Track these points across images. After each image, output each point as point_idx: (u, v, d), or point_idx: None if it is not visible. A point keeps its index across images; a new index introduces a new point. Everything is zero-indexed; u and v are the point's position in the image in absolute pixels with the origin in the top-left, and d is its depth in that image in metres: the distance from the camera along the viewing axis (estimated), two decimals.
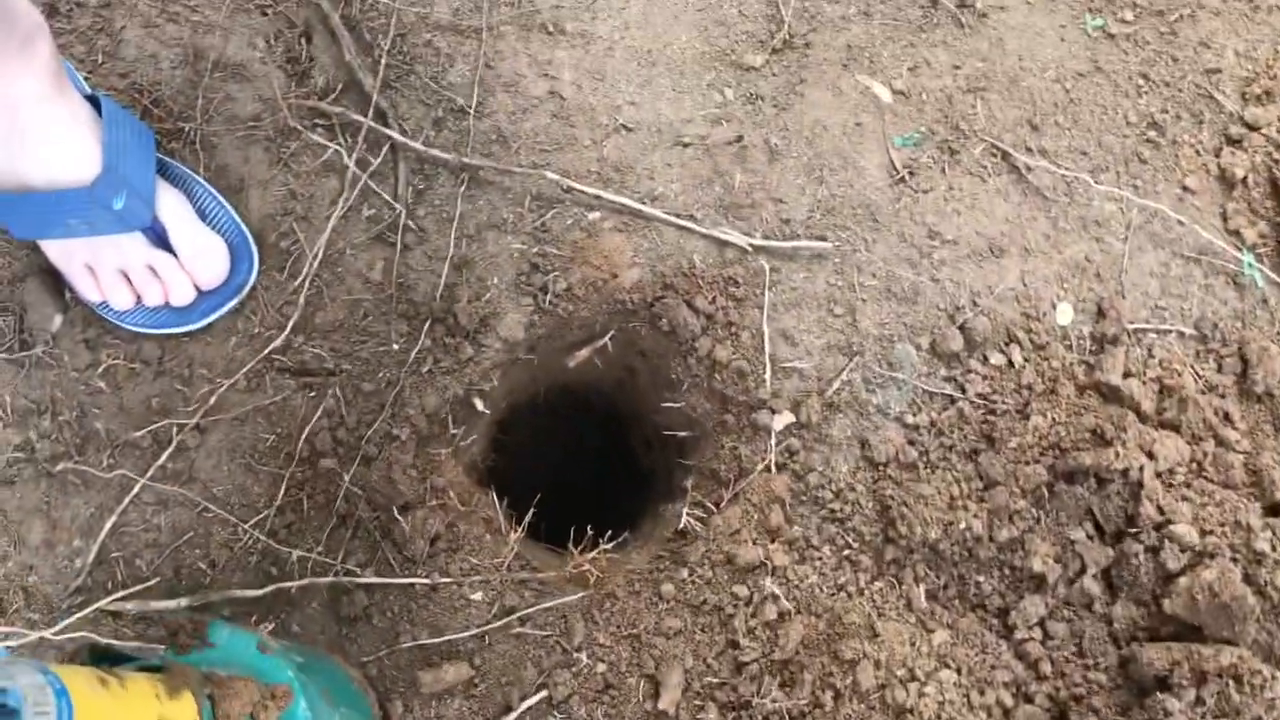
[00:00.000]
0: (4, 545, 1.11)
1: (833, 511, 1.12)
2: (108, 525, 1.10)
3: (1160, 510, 1.03)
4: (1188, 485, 1.06)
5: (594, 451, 1.58)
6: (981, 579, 1.09)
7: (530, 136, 1.24)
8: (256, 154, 1.24)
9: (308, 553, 1.09)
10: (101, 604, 1.08)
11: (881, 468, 1.12)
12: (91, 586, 1.10)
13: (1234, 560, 1.00)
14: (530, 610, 1.08)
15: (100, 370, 1.16)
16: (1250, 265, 1.20)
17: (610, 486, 1.55)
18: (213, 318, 1.18)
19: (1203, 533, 1.02)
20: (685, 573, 1.10)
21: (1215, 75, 1.29)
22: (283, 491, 1.11)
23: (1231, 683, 0.96)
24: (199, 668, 0.79)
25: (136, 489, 1.11)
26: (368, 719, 1.01)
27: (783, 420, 1.14)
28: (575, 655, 1.07)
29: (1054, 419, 1.11)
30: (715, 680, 1.06)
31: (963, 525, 1.07)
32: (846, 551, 1.11)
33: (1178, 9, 1.36)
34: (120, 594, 1.08)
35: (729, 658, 1.06)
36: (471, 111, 1.25)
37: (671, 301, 1.17)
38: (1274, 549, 1.00)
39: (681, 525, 1.13)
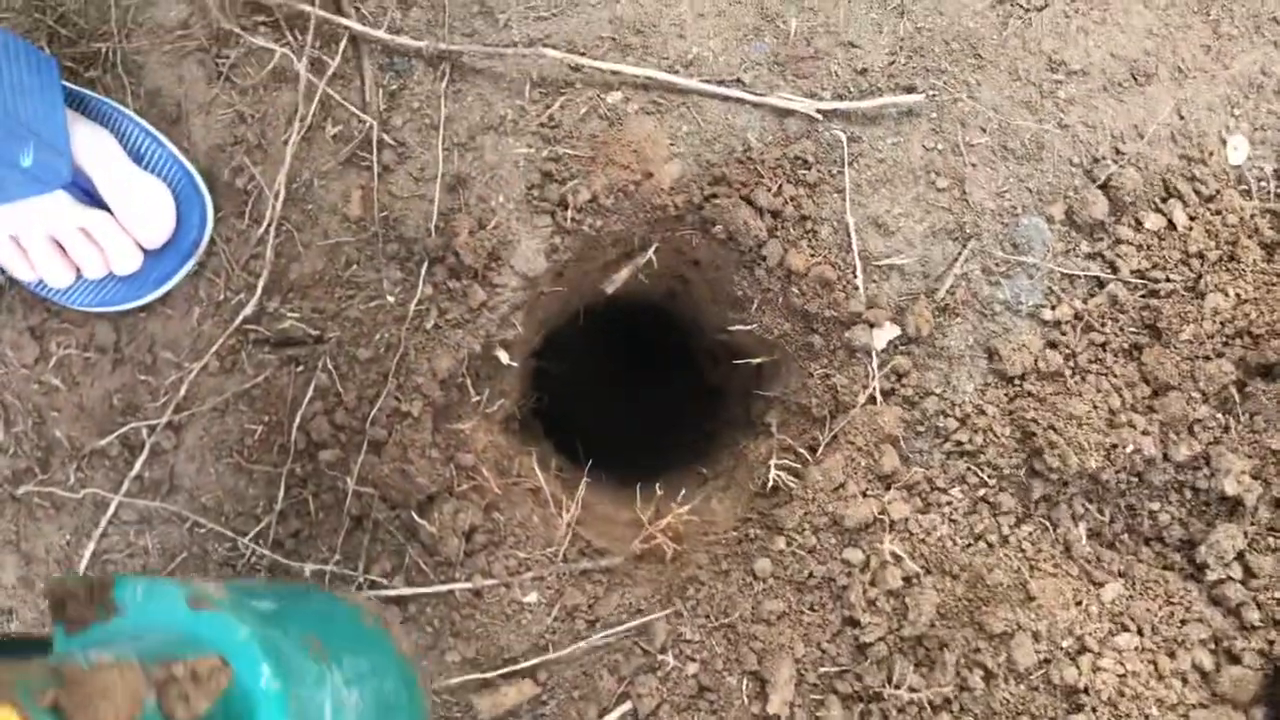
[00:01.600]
0: None
1: (959, 444, 0.90)
2: (87, 553, 0.94)
3: None
4: None
5: (651, 379, 1.36)
6: (1157, 508, 0.87)
7: (520, 3, 0.97)
8: (192, 71, 1.00)
9: (322, 564, 0.91)
10: None
11: (1018, 381, 0.89)
12: None
13: None
14: (598, 608, 0.89)
15: (52, 364, 0.98)
16: None
17: (675, 416, 1.33)
18: (169, 285, 0.99)
19: None
20: (782, 542, 0.89)
21: None
22: (282, 493, 0.93)
23: None
24: (66, 658, 0.52)
25: (112, 508, 0.95)
26: (390, 663, 0.79)
27: (885, 335, 0.91)
28: (659, 657, 0.88)
29: (1238, 295, 0.86)
30: (833, 669, 0.86)
31: (1130, 447, 0.84)
32: (982, 491, 0.89)
33: None
34: None
35: (848, 639, 0.87)
36: None
37: (725, 200, 0.92)
38: None
39: (770, 481, 0.91)
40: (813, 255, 0.92)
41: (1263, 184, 0.91)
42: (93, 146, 0.95)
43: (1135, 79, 0.93)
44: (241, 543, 0.92)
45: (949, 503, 0.89)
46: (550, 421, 1.15)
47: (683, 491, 0.96)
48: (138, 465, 0.94)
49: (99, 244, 0.95)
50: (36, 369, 0.97)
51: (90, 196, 0.96)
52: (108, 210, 0.95)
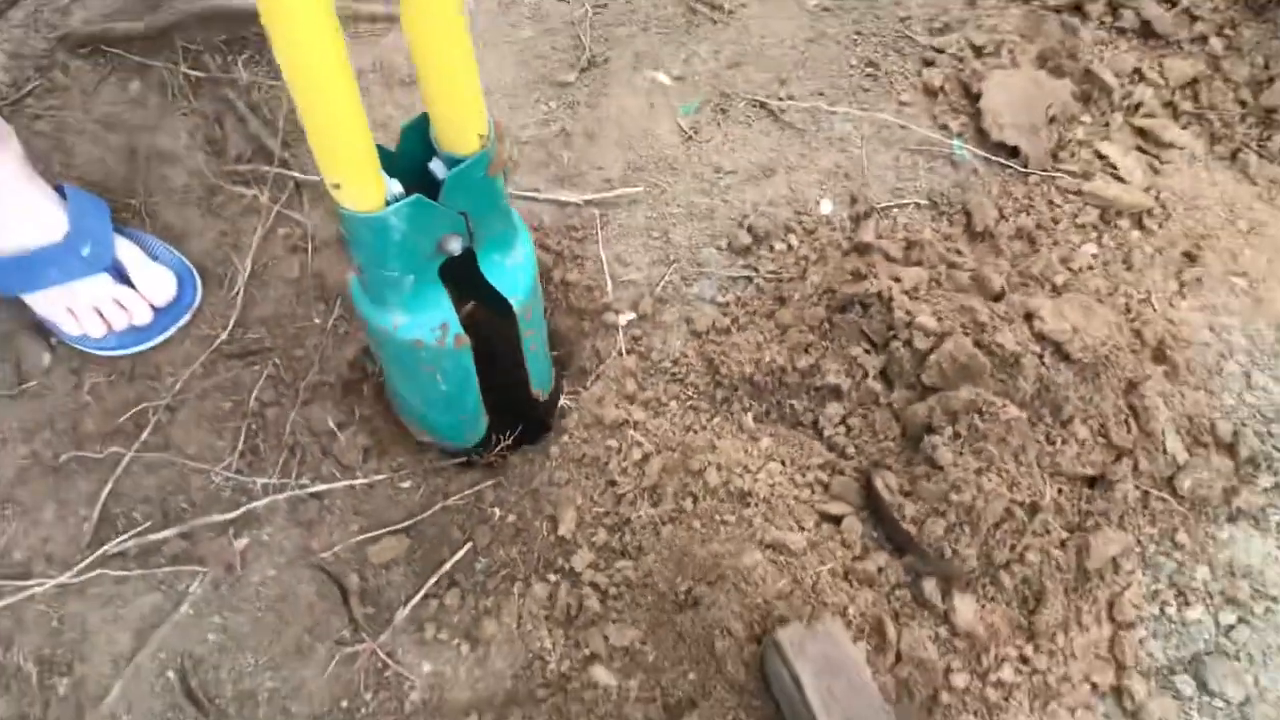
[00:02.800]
0: (25, 526, 1.37)
1: (674, 375, 1.42)
2: (104, 492, 1.37)
3: (908, 313, 1.35)
4: (928, 295, 1.39)
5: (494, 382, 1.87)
6: (794, 401, 1.39)
7: None
8: (191, 213, 1.57)
9: (268, 479, 1.37)
10: (107, 548, 1.35)
11: (704, 335, 1.44)
12: (102, 540, 1.36)
13: (965, 333, 1.32)
14: (449, 487, 1.37)
15: (86, 389, 1.45)
16: (959, 147, 1.56)
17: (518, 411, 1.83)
18: (170, 331, 1.48)
19: (939, 319, 1.34)
20: (566, 437, 1.39)
21: (908, 20, 1.69)
22: (242, 440, 1.40)
23: (975, 415, 1.26)
24: None
25: (125, 461, 1.39)
26: None
27: (626, 317, 1.46)
28: (490, 512, 1.35)
29: (825, 273, 1.44)
30: (601, 510, 1.33)
31: (768, 358, 1.38)
32: (689, 401, 1.41)
33: None
34: (121, 538, 1.35)
35: (610, 493, 1.34)
36: None
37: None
38: (992, 319, 1.32)
39: (560, 405, 1.43)
40: (582, 275, 1.49)
41: (841, 223, 1.52)
42: (124, 247, 1.47)
43: (764, 173, 1.56)
44: (213, 472, 1.39)
45: (669, 410, 1.40)
46: None
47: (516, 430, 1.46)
48: (145, 434, 1.41)
49: (126, 307, 1.47)
50: (75, 394, 1.46)
51: (121, 278, 1.48)
52: (132, 287, 1.49)
